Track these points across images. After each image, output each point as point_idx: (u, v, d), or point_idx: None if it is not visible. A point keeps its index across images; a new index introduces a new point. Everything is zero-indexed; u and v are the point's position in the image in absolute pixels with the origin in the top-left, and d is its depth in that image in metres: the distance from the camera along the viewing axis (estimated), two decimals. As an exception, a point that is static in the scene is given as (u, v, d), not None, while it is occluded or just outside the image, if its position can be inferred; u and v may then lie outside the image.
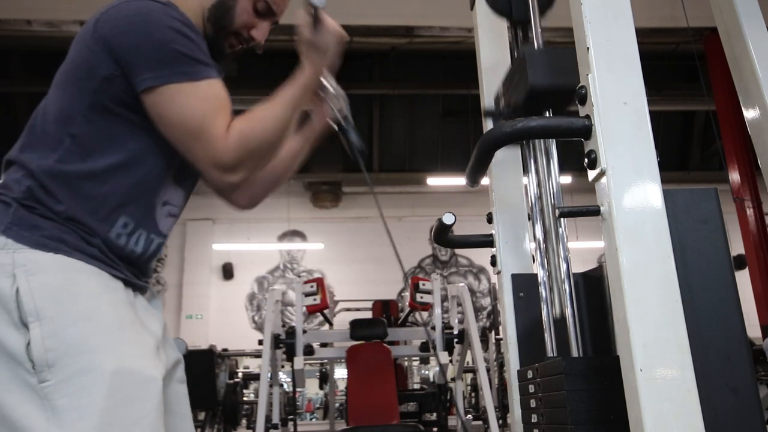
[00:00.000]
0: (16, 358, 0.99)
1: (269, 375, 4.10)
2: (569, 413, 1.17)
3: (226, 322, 10.97)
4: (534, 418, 1.37)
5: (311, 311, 4.40)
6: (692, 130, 10.99)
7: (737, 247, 7.38)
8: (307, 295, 4.17)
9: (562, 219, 1.40)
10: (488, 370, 5.73)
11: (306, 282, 4.33)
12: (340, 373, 7.07)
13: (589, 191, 1.13)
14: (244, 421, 8.41)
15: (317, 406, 11.23)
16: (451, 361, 4.29)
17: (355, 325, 4.31)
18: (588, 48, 1.13)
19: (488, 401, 3.70)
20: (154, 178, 1.20)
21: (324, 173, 10.66)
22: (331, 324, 5.94)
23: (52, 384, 0.98)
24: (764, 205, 7.50)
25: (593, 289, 1.46)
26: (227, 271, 11.40)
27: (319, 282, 4.32)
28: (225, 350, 7.58)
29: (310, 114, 1.45)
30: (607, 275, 1.12)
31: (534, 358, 1.46)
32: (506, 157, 1.73)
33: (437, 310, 4.36)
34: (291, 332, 4.01)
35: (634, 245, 1.05)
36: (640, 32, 1.13)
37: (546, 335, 1.41)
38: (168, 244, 9.64)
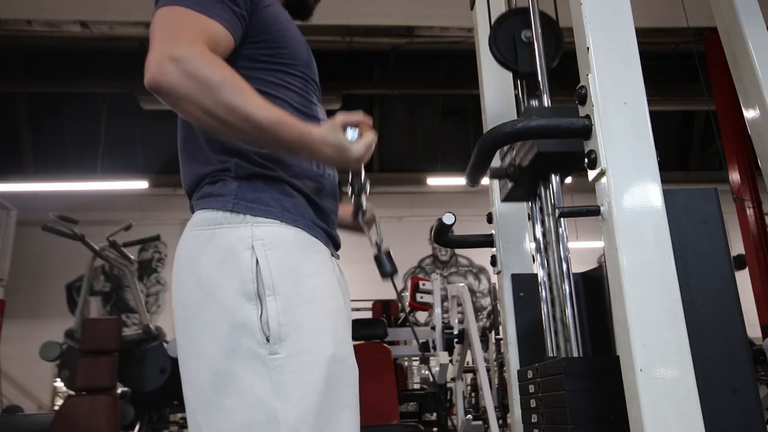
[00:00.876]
0: (246, 327, 1.01)
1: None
2: (569, 413, 1.17)
3: (226, 322, 10.93)
4: (534, 418, 1.37)
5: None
6: (692, 130, 10.98)
7: (737, 247, 7.38)
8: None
9: (562, 219, 1.40)
10: (488, 370, 5.73)
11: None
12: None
13: (589, 191, 1.13)
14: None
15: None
16: (451, 361, 4.29)
17: (355, 325, 4.30)
18: (588, 48, 1.13)
19: (488, 401, 3.69)
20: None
21: (324, 173, 10.64)
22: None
23: (282, 357, 1.00)
24: (764, 205, 7.49)
25: (593, 289, 1.46)
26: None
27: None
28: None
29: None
30: (607, 275, 1.12)
31: (534, 358, 1.47)
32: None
33: (437, 310, 4.36)
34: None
35: (634, 245, 1.05)
36: (640, 32, 1.13)
37: (546, 335, 1.41)
38: (168, 244, 9.59)
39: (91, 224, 5.78)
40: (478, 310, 10.48)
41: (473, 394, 7.59)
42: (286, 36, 1.20)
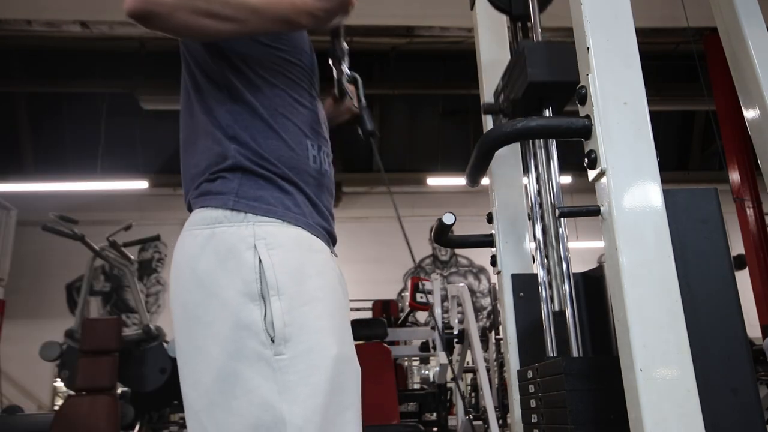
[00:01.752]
0: (250, 328, 1.00)
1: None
2: (569, 413, 1.17)
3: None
4: (534, 418, 1.37)
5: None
6: (692, 130, 10.98)
7: (737, 247, 7.38)
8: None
9: (562, 219, 1.40)
10: (488, 370, 5.72)
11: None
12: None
13: (589, 191, 1.13)
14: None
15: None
16: (451, 361, 4.29)
17: (355, 325, 4.31)
18: (588, 48, 1.13)
19: (488, 401, 3.69)
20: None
21: (324, 173, 10.63)
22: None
23: (287, 358, 0.99)
24: (764, 205, 7.49)
25: (593, 289, 1.46)
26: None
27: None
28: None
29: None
30: (607, 275, 1.12)
31: (534, 358, 1.47)
32: (506, 157, 1.73)
33: (437, 310, 4.36)
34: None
35: (634, 245, 1.05)
36: (640, 32, 1.13)
37: (546, 335, 1.41)
38: (168, 244, 9.61)
39: (91, 224, 5.78)
40: (478, 310, 10.49)
41: (473, 394, 7.59)
42: (293, 36, 1.21)
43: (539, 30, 1.52)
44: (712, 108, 7.71)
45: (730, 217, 7.34)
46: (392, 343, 4.52)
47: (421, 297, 4.43)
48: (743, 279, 7.18)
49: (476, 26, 1.87)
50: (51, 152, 9.72)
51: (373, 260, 10.14)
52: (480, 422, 5.38)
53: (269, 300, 1.01)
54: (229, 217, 1.06)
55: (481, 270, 11.16)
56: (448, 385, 5.10)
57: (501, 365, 6.40)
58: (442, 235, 1.66)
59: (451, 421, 4.90)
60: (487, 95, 1.79)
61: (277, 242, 1.05)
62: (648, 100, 1.12)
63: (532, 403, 1.38)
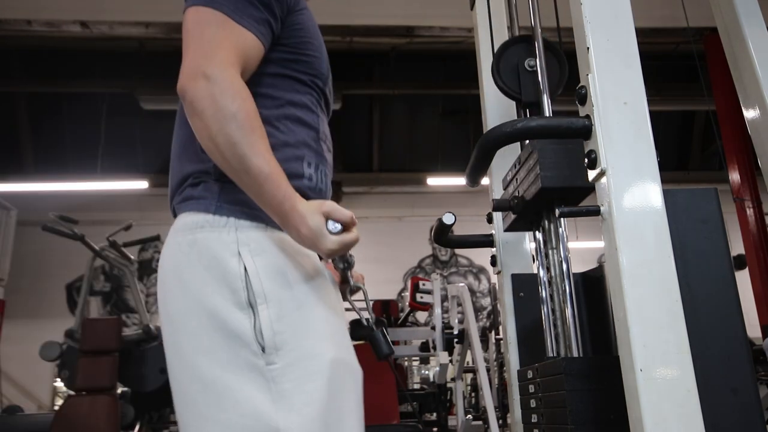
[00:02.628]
0: (241, 338, 0.98)
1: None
2: (569, 413, 1.17)
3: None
4: (534, 418, 1.37)
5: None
6: (692, 130, 10.98)
7: (737, 247, 7.38)
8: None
9: (562, 219, 1.40)
10: (488, 370, 5.72)
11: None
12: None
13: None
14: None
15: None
16: (451, 361, 4.29)
17: (355, 325, 4.30)
18: (588, 48, 1.13)
19: (488, 401, 3.69)
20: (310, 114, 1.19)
21: (323, 173, 10.63)
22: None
23: (280, 367, 0.97)
24: (764, 205, 7.49)
25: (593, 289, 1.46)
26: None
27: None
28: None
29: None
30: (607, 275, 1.12)
31: (534, 358, 1.47)
32: (506, 157, 1.73)
33: (437, 310, 4.35)
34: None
35: (634, 245, 1.05)
36: (640, 32, 1.13)
37: (546, 335, 1.41)
38: (168, 244, 9.65)
39: (91, 224, 5.78)
40: (478, 310, 10.48)
41: (473, 394, 7.59)
42: (310, 44, 1.18)
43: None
44: (712, 108, 7.71)
45: (730, 217, 7.34)
46: (392, 343, 4.51)
47: (421, 297, 4.43)
48: (743, 279, 7.18)
49: (476, 26, 1.88)
50: (51, 152, 9.72)
51: (373, 260, 10.13)
52: (480, 422, 5.38)
53: (257, 308, 0.99)
54: (211, 222, 1.04)
55: (481, 270, 11.16)
56: (448, 385, 5.10)
57: (501, 365, 6.40)
58: (442, 235, 1.66)
59: (451, 421, 4.90)
60: (488, 97, 1.79)
61: (261, 248, 1.03)
62: (648, 100, 1.12)
63: (532, 403, 1.38)
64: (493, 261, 1.72)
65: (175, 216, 1.13)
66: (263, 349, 0.98)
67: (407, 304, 4.82)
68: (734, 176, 7.61)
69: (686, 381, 1.00)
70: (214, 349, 0.98)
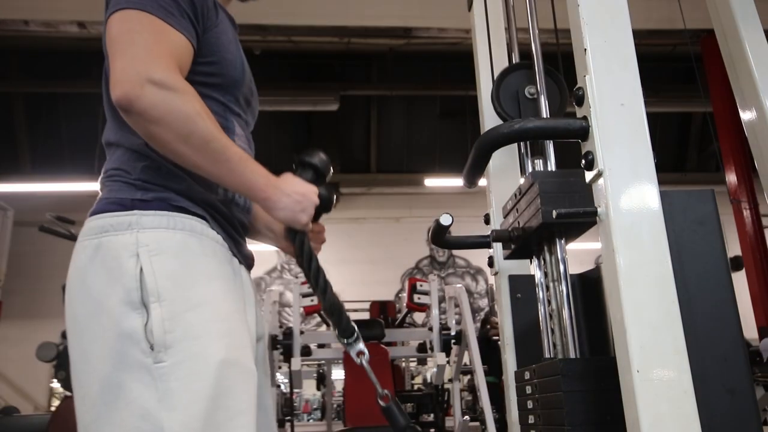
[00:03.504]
0: (132, 337, 0.99)
1: (268, 375, 4.09)
2: (566, 414, 1.17)
3: (223, 322, 10.91)
4: (531, 419, 1.37)
5: (308, 312, 4.39)
6: (689, 132, 11.01)
7: (734, 249, 7.40)
8: (304, 296, 4.17)
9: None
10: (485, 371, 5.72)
11: (303, 283, 4.31)
12: (338, 374, 7.05)
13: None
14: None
15: (314, 407, 11.21)
16: (448, 362, 4.29)
17: (359, 324, 4.30)
18: (585, 49, 1.13)
19: (485, 402, 3.69)
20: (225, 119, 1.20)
21: (321, 174, 10.63)
22: (328, 325, 5.92)
23: (167, 365, 0.98)
24: (761, 206, 7.51)
25: (590, 291, 1.46)
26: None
27: (319, 267, 4.29)
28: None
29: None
30: (604, 276, 1.12)
31: (531, 359, 1.47)
32: (503, 159, 1.74)
33: (435, 311, 4.35)
34: (288, 333, 4.00)
35: (631, 246, 1.05)
36: (637, 34, 1.13)
37: (543, 336, 1.41)
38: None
39: (88, 225, 5.77)
40: (475, 311, 10.49)
41: (471, 396, 7.59)
42: (223, 59, 1.17)
43: (552, 149, 1.50)
44: (709, 110, 7.73)
45: (727, 218, 7.35)
46: (390, 344, 4.51)
47: (419, 298, 4.43)
48: (740, 280, 7.20)
49: (474, 28, 1.88)
50: (48, 152, 9.71)
51: (371, 261, 10.14)
52: (477, 423, 5.38)
53: (150, 307, 1.00)
54: (115, 226, 1.05)
55: (479, 271, 11.17)
56: (446, 386, 5.10)
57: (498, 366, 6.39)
58: (439, 236, 1.66)
59: (449, 422, 4.90)
60: (485, 98, 1.79)
61: (160, 248, 1.03)
62: (645, 101, 1.12)
63: (529, 404, 1.38)
64: (491, 262, 1.72)
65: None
66: (152, 347, 0.98)
67: (404, 305, 4.82)
68: (731, 178, 7.63)
69: (683, 382, 1.00)
70: (109, 350, 0.99)
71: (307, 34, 7.80)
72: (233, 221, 1.19)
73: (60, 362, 4.25)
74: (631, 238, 1.05)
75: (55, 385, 8.79)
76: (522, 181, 1.65)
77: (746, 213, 7.43)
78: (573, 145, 1.18)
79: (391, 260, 10.30)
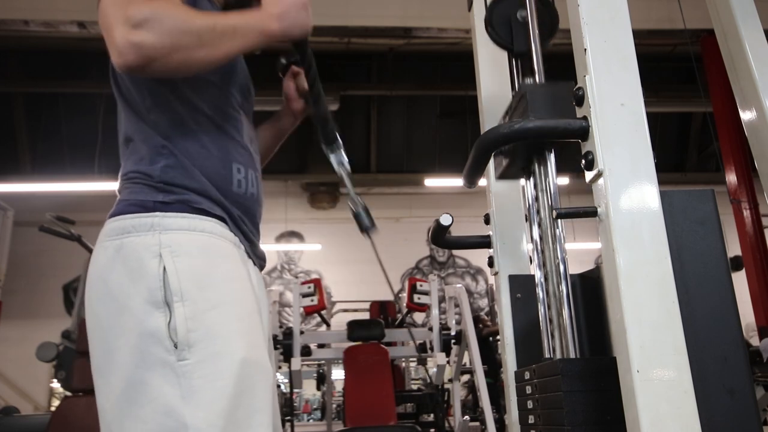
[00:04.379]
0: (155, 335, 1.01)
1: (275, 375, 4.09)
2: (566, 414, 1.17)
3: (223, 322, 10.92)
4: (531, 419, 1.37)
5: (308, 312, 4.40)
6: (689, 132, 11.01)
7: (734, 249, 7.40)
8: (304, 296, 4.17)
9: (559, 220, 1.40)
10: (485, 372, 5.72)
11: (303, 283, 4.32)
12: (338, 374, 7.07)
13: (586, 192, 1.13)
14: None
15: (314, 407, 11.22)
16: (448, 362, 4.30)
17: (353, 325, 4.31)
18: (585, 49, 1.13)
19: (485, 402, 3.69)
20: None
21: (321, 174, 10.66)
22: (328, 325, 5.94)
23: (191, 363, 1.00)
24: (761, 206, 7.51)
25: (590, 291, 1.46)
26: (225, 272, 11.34)
27: (317, 283, 4.31)
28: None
29: (280, 113, 1.42)
30: (604, 276, 1.12)
31: (531, 359, 1.47)
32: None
33: (435, 311, 4.36)
34: (288, 333, 4.01)
35: (631, 246, 1.05)
36: (637, 34, 1.13)
37: (543, 336, 1.41)
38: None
39: (88, 225, 5.76)
40: (475, 311, 10.49)
41: (470, 396, 7.60)
42: None
43: (541, 67, 1.51)
44: (709, 110, 7.73)
45: (727, 218, 7.36)
46: (390, 344, 4.51)
47: (419, 298, 4.43)
48: (740, 280, 7.20)
49: (474, 27, 1.88)
50: (48, 152, 9.71)
51: (371, 261, 10.11)
52: (477, 423, 5.38)
53: (173, 306, 1.02)
54: (137, 227, 1.07)
55: (479, 271, 11.18)
56: (446, 386, 5.10)
57: (498, 366, 6.40)
58: (439, 236, 1.66)
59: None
60: (485, 98, 1.79)
61: (182, 250, 1.06)
62: (645, 101, 1.12)
63: (529, 405, 1.38)
64: (491, 262, 1.71)
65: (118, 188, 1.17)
66: (176, 346, 1.00)
67: (405, 305, 4.82)
68: (731, 178, 7.63)
69: (683, 382, 1.00)
70: (132, 348, 1.01)
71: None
72: (248, 221, 1.21)
73: (60, 362, 4.25)
74: (631, 238, 1.05)
75: (55, 385, 8.79)
76: (522, 182, 1.65)
77: (746, 213, 7.43)
78: (573, 144, 1.18)
79: (391, 260, 10.28)
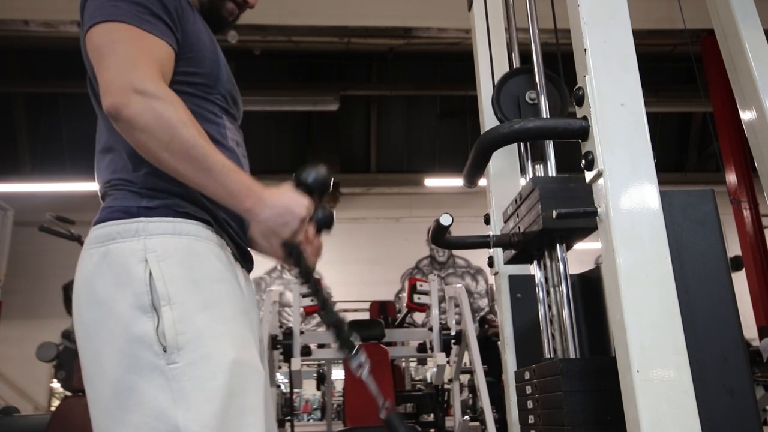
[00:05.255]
0: (143, 340, 1.01)
1: (267, 376, 4.09)
2: (566, 414, 1.17)
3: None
4: (531, 419, 1.37)
5: (308, 312, 4.40)
6: (689, 132, 11.01)
7: (734, 249, 7.39)
8: (304, 296, 4.17)
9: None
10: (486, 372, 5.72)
11: (303, 283, 4.30)
12: (338, 374, 7.07)
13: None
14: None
15: (314, 407, 11.22)
16: (448, 362, 4.29)
17: (353, 325, 4.30)
18: (585, 49, 1.13)
19: (485, 402, 3.69)
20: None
21: (321, 174, 10.63)
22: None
23: (180, 366, 1.00)
24: (761, 206, 7.51)
25: (590, 291, 1.46)
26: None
27: (317, 283, 4.30)
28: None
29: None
30: (604, 276, 1.12)
31: (531, 359, 1.47)
32: (503, 159, 1.74)
33: (435, 311, 4.35)
34: (288, 333, 4.00)
35: (631, 246, 1.05)
36: (637, 34, 1.13)
37: (543, 336, 1.41)
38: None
39: (88, 225, 5.72)
40: (475, 311, 10.48)
41: (470, 396, 7.59)
42: (203, 58, 1.20)
43: (552, 154, 1.51)
44: (709, 110, 7.73)
45: (727, 218, 7.36)
46: (390, 344, 4.51)
47: (419, 298, 4.43)
48: (740, 280, 7.20)
49: (474, 27, 1.88)
50: (48, 152, 9.70)
51: (371, 261, 10.13)
52: (477, 423, 5.38)
53: (161, 310, 1.02)
54: (122, 233, 1.07)
55: (479, 271, 11.17)
56: (446, 386, 5.10)
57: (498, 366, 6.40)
58: (439, 236, 1.66)
59: (449, 422, 4.90)
60: (485, 98, 1.79)
61: (167, 253, 1.06)
62: (645, 101, 1.12)
63: (529, 404, 1.38)
64: (491, 262, 1.72)
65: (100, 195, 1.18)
66: (165, 349, 1.00)
67: (404, 305, 4.82)
68: (731, 178, 7.63)
69: (683, 382, 1.00)
70: (121, 354, 1.01)
71: (307, 34, 7.80)
72: (234, 224, 1.20)
73: (60, 362, 4.25)
74: (631, 238, 1.05)
75: (55, 385, 8.79)
76: (522, 183, 1.65)
77: (746, 213, 7.43)
78: (574, 148, 1.18)
79: (391, 260, 10.30)
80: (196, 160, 1.03)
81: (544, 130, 1.22)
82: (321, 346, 4.80)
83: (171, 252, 1.06)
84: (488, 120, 1.77)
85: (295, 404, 7.27)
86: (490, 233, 1.73)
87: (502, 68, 1.79)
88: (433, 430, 4.89)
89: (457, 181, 8.79)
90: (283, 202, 1.08)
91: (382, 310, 5.80)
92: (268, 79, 9.25)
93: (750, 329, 6.82)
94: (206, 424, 0.98)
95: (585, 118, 1.12)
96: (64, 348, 4.28)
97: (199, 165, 1.03)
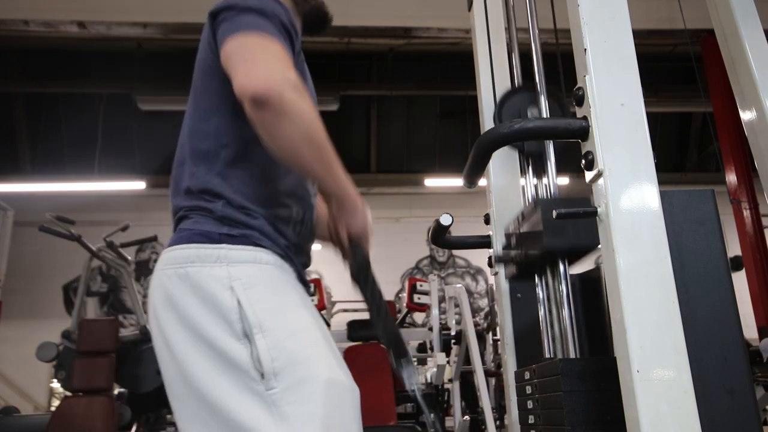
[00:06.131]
0: (240, 366, 1.04)
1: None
2: (566, 414, 1.17)
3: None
4: (531, 419, 1.37)
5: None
6: (689, 132, 11.01)
7: (734, 249, 7.39)
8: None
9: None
10: (486, 372, 5.71)
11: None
12: (338, 374, 7.06)
13: (586, 193, 1.13)
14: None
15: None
16: (448, 362, 4.30)
17: (353, 325, 4.31)
18: (585, 49, 1.13)
19: (485, 402, 3.69)
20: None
21: (322, 174, 10.64)
22: (328, 325, 5.92)
23: (279, 391, 1.03)
24: (761, 206, 7.51)
25: (590, 291, 1.46)
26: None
27: (317, 283, 4.32)
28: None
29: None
30: (604, 276, 1.12)
31: (531, 359, 1.47)
32: (503, 159, 1.73)
33: (435, 311, 4.36)
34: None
35: (631, 246, 1.05)
36: (637, 34, 1.13)
37: (543, 336, 1.41)
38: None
39: (88, 225, 5.77)
40: (475, 311, 10.48)
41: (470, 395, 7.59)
42: (307, 88, 1.21)
43: (554, 172, 1.50)
44: (709, 110, 7.73)
45: (727, 218, 7.36)
46: (390, 344, 4.51)
47: (419, 298, 4.43)
48: (740, 280, 7.20)
49: (474, 28, 1.88)
50: (48, 152, 9.70)
51: (371, 261, 10.12)
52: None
53: (253, 338, 1.05)
54: (203, 257, 1.09)
55: (479, 271, 11.17)
56: (446, 386, 5.10)
57: (498, 366, 6.40)
58: (439, 236, 1.66)
59: (448, 422, 4.90)
60: (485, 98, 1.79)
61: (251, 281, 1.09)
62: (645, 101, 1.12)
63: (529, 404, 1.38)
64: (491, 262, 1.72)
65: (175, 217, 1.19)
66: (262, 376, 1.03)
67: (405, 305, 4.82)
68: (731, 178, 7.63)
69: (683, 382, 1.00)
70: (217, 376, 1.04)
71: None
72: (296, 259, 1.24)
73: (60, 362, 4.25)
74: (631, 238, 1.05)
75: (55, 385, 8.79)
76: (522, 183, 1.65)
77: (746, 213, 7.43)
78: (573, 144, 1.18)
79: (391, 260, 10.30)
80: (328, 158, 1.12)
81: (544, 130, 1.22)
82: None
83: (255, 280, 1.10)
84: (488, 120, 1.77)
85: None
86: (490, 233, 1.73)
87: (502, 68, 1.79)
88: (433, 430, 4.89)
89: (457, 181, 8.80)
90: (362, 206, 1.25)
91: (382, 310, 5.79)
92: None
93: (750, 329, 6.82)
94: None
95: (585, 118, 1.12)
96: (64, 348, 4.28)
97: (329, 163, 1.13)
